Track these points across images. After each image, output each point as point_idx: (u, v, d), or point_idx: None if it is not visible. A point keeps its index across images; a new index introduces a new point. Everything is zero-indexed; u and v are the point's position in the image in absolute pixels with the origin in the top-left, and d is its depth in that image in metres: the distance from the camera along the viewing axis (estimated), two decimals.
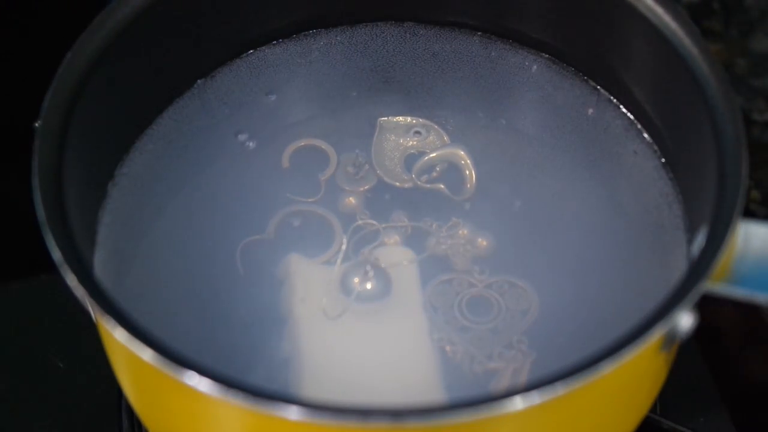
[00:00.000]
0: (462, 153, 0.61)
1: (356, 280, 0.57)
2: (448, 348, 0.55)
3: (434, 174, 0.61)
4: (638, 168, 0.61)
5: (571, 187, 0.60)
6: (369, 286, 0.57)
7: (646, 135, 0.61)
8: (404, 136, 0.62)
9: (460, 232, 0.59)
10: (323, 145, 0.62)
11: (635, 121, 0.62)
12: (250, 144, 0.62)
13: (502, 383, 0.54)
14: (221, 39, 0.63)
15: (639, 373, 0.52)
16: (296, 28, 0.65)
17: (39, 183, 0.52)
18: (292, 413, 0.45)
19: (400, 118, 0.63)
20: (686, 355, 0.62)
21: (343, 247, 0.58)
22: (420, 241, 0.59)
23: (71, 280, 0.49)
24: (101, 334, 0.55)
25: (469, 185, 0.61)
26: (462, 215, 0.60)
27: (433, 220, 0.59)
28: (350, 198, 0.60)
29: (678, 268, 0.56)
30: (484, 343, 0.56)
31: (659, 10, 0.57)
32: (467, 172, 0.61)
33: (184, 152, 0.61)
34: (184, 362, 0.47)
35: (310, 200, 0.60)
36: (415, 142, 0.62)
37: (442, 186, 0.61)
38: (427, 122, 0.62)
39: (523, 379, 0.54)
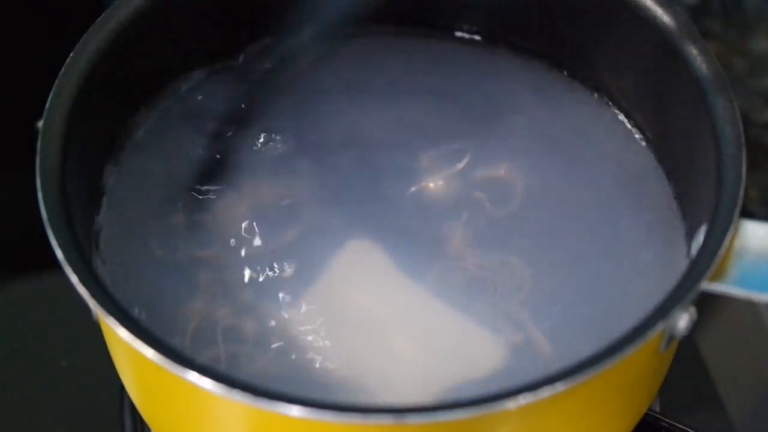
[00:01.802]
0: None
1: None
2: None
3: None
4: (638, 168, 0.61)
5: (570, 187, 0.61)
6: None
7: (645, 135, 0.61)
8: None
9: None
10: None
11: (635, 122, 0.62)
12: (253, 143, 0.62)
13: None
14: (223, 38, 0.63)
15: (638, 371, 0.52)
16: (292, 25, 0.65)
17: (41, 183, 0.52)
18: (294, 411, 0.46)
19: None
20: (686, 354, 0.62)
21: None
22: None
23: (74, 279, 0.49)
24: (104, 332, 0.55)
25: None
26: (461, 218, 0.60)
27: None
28: None
29: (677, 268, 0.57)
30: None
31: (658, 11, 0.57)
32: None
33: (187, 151, 0.61)
34: (186, 361, 0.47)
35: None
36: None
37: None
38: None
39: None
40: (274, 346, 0.55)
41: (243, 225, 0.59)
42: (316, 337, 0.55)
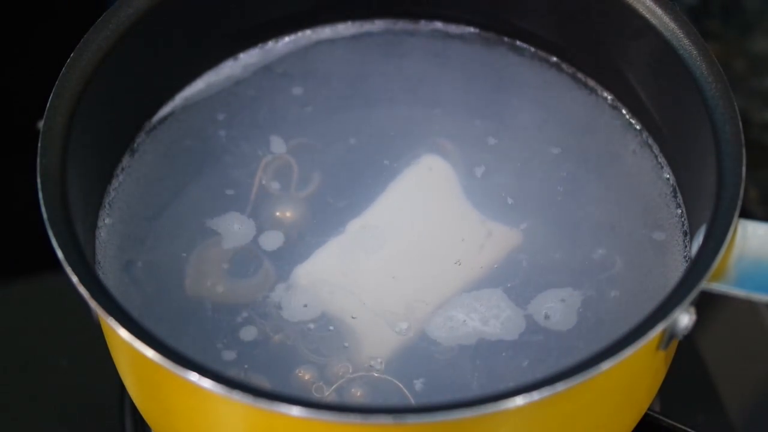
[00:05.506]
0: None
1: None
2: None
3: None
4: (637, 168, 0.61)
5: (570, 186, 0.61)
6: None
7: (645, 135, 0.61)
8: None
9: None
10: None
11: (635, 121, 0.62)
12: (252, 144, 0.62)
13: None
14: (223, 39, 0.63)
15: (638, 371, 0.52)
16: (292, 24, 0.65)
17: (42, 183, 0.52)
18: (294, 411, 0.46)
19: None
20: (686, 354, 0.62)
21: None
22: None
23: (74, 279, 0.49)
24: (104, 332, 0.55)
25: None
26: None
27: None
28: None
29: (677, 268, 0.57)
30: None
31: (659, 11, 0.57)
32: None
33: (187, 151, 0.61)
34: (187, 361, 0.47)
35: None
36: None
37: None
38: None
39: None
40: None
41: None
42: None
